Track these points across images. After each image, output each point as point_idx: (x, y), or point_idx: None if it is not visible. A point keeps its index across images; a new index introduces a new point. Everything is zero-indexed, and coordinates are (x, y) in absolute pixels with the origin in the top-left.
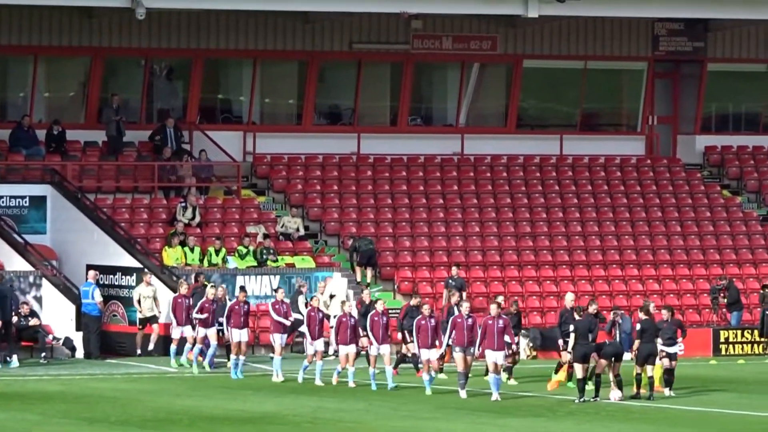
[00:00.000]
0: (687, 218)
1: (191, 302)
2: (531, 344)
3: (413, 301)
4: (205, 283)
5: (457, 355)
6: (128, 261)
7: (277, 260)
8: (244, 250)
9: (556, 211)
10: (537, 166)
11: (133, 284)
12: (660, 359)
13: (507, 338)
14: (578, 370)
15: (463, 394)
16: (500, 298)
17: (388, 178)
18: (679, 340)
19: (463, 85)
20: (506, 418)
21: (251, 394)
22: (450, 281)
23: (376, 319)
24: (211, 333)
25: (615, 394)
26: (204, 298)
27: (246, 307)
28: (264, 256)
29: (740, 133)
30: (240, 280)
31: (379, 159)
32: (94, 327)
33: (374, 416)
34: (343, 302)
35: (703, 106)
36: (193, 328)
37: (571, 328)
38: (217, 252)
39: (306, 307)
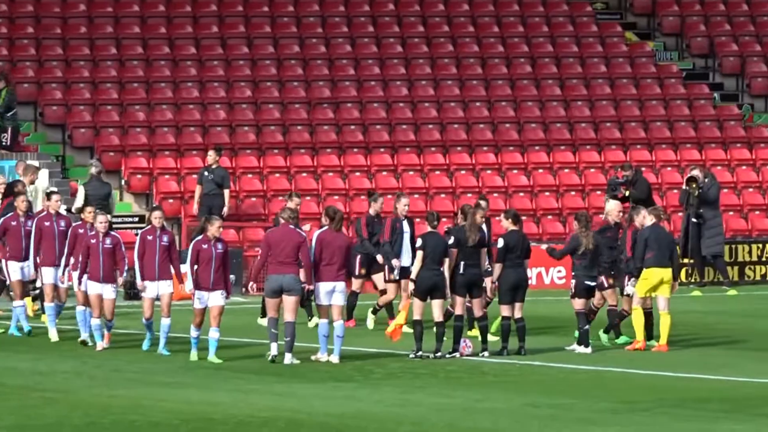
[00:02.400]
0: (571, 75)
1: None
2: None
3: (373, 208)
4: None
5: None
6: None
7: None
8: None
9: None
10: None
11: None
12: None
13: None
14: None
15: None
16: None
17: None
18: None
19: None
20: (295, 384)
21: None
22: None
23: (149, 238)
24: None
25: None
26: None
27: (63, 223)
28: None
29: None
30: None
31: None
32: None
33: (88, 381)
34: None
35: None
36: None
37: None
38: None
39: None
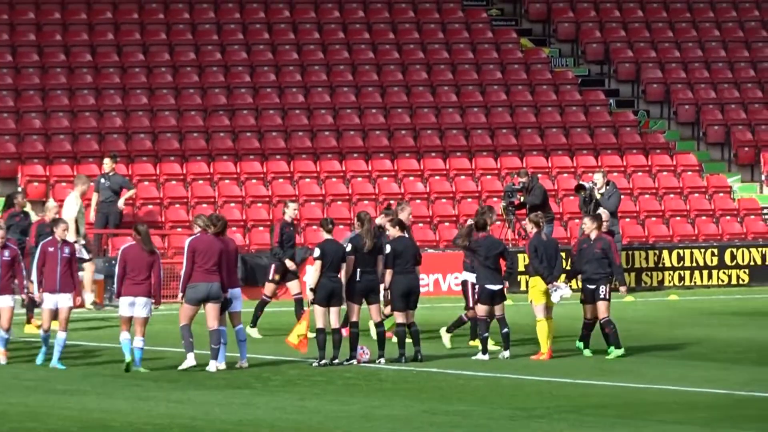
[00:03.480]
0: (467, 81)
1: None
2: None
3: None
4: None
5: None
6: None
7: None
8: None
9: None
10: None
11: None
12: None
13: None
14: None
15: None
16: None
17: None
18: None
19: None
20: (192, 391)
21: None
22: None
23: (51, 249)
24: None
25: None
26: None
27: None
28: None
29: None
30: None
31: None
32: None
33: None
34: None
35: None
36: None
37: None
38: None
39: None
